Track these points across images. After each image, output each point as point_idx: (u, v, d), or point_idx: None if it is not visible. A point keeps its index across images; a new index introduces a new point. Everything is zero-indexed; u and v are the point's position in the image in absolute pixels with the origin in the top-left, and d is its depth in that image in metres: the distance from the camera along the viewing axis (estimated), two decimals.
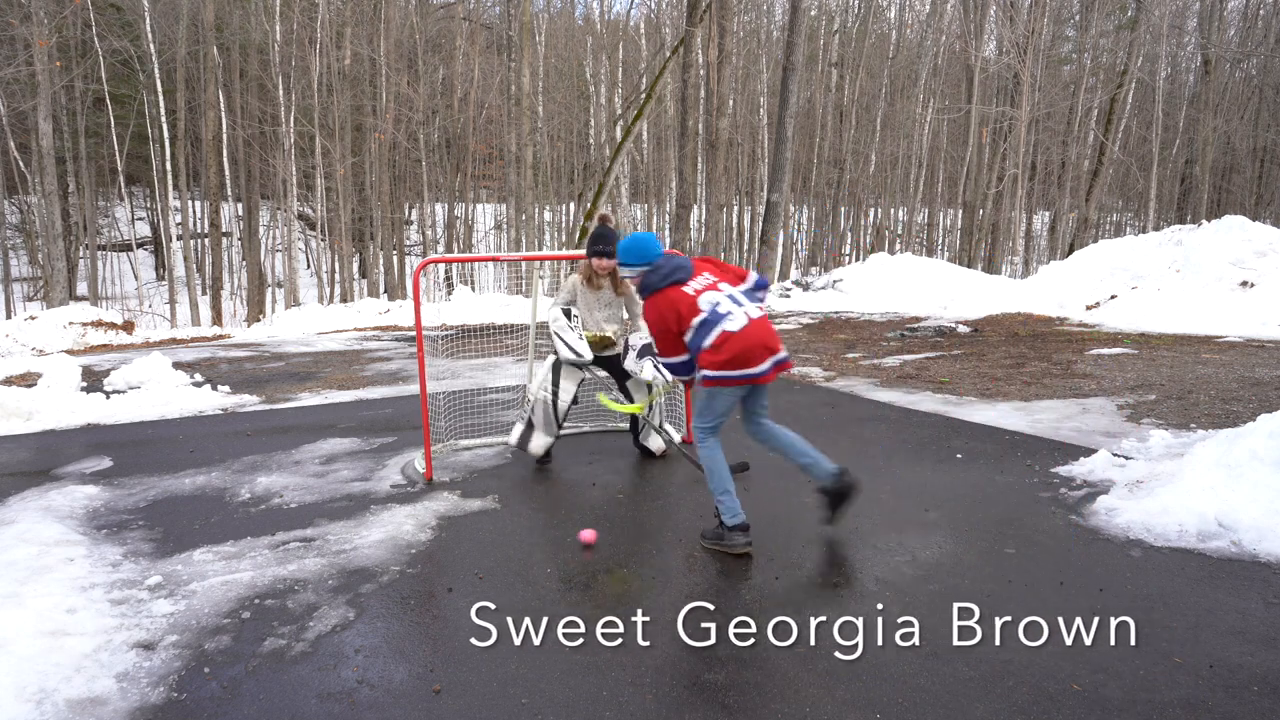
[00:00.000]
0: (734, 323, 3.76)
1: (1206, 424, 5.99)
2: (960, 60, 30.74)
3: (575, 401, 5.46)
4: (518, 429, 5.47)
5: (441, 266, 24.51)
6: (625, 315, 5.46)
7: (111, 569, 3.85)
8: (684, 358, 3.87)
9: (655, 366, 5.11)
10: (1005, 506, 4.50)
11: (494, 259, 6.06)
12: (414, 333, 10.24)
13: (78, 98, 23.29)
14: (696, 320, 3.78)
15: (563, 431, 5.62)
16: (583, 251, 5.27)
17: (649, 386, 5.34)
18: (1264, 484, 4.00)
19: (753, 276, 4.10)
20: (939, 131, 32.44)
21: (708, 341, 3.74)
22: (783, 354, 3.83)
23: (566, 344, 5.19)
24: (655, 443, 5.66)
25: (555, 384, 5.33)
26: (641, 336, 5.26)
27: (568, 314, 5.29)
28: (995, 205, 25.55)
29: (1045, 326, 12.04)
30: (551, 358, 5.36)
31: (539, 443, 5.38)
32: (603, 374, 5.62)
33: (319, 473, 5.44)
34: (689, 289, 3.85)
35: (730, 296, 3.86)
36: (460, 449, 5.92)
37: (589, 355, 5.19)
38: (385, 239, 25.60)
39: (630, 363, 5.20)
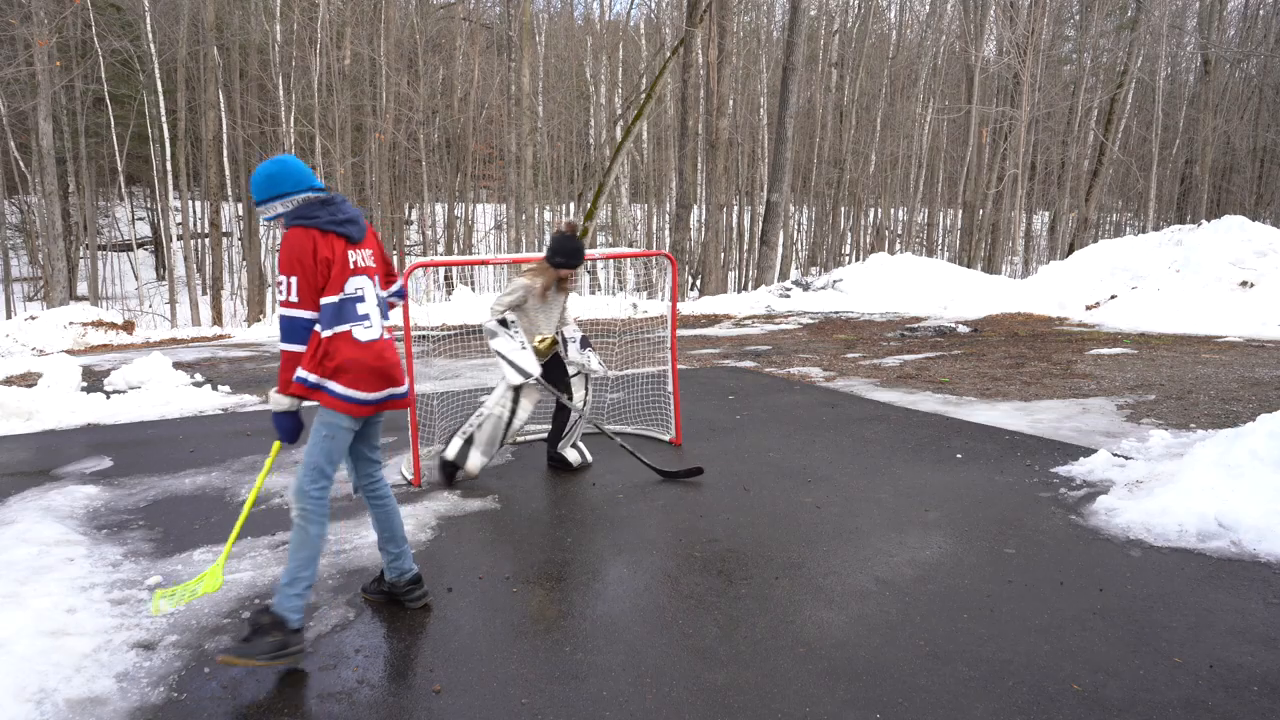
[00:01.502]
0: (368, 330, 3.05)
1: (1206, 424, 5.99)
2: (960, 60, 30.74)
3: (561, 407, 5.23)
4: (456, 443, 5.03)
5: (440, 267, 24.51)
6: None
7: (111, 569, 3.85)
8: (311, 315, 2.98)
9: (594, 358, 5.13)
10: (1005, 506, 4.50)
11: (484, 261, 6.02)
12: (416, 333, 10.23)
13: (78, 98, 23.30)
14: (334, 299, 2.99)
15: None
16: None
17: (585, 381, 5.26)
18: (1264, 484, 4.00)
19: (396, 285, 3.38)
20: (939, 131, 32.45)
21: (326, 334, 2.99)
22: (402, 389, 3.18)
23: (513, 364, 4.78)
24: (574, 455, 5.38)
25: (515, 403, 4.97)
26: (576, 329, 5.19)
27: (504, 324, 4.88)
28: (995, 205, 25.55)
29: (1045, 326, 12.04)
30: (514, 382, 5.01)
31: (476, 462, 4.99)
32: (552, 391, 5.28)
33: None
34: (352, 257, 3.08)
35: (377, 297, 3.16)
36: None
37: (538, 371, 4.81)
38: (385, 239, 25.59)
39: (575, 354, 5.08)
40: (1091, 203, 25.81)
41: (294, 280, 2.92)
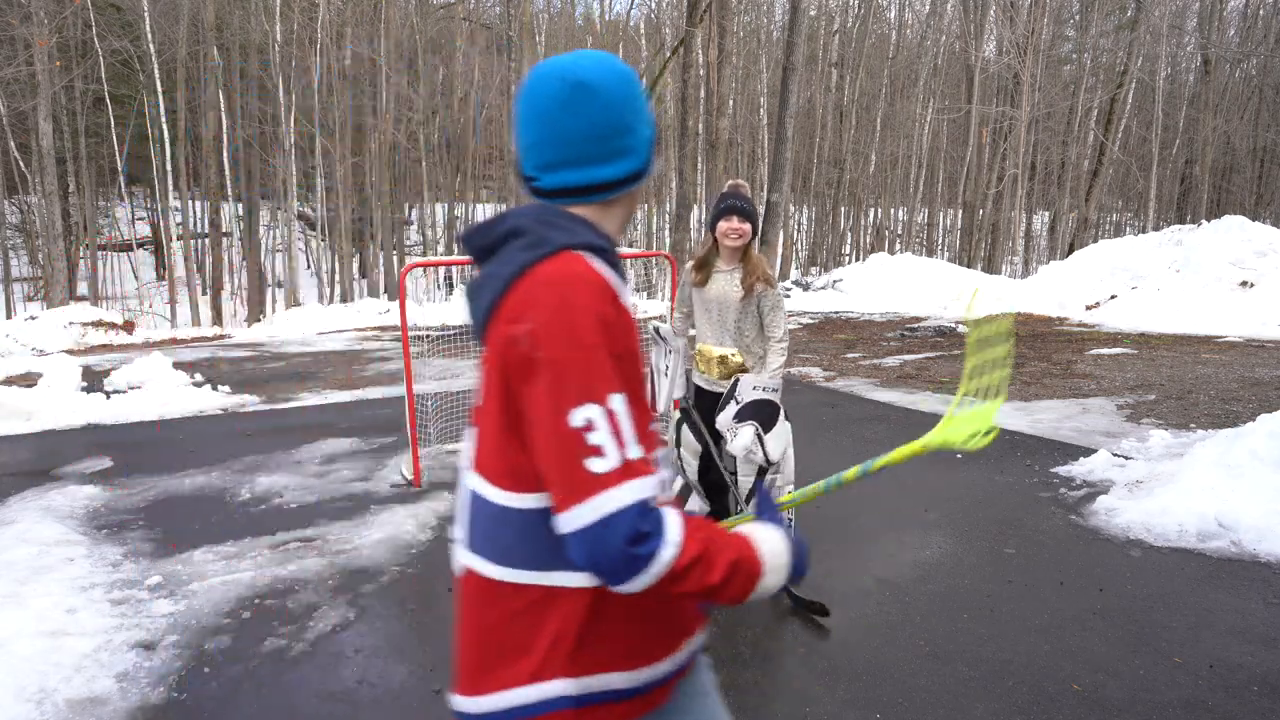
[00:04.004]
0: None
1: (1206, 424, 5.99)
2: (960, 60, 30.74)
3: (708, 468, 3.49)
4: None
5: (441, 267, 24.51)
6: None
7: (111, 569, 3.85)
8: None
9: (756, 440, 3.16)
10: (1005, 506, 4.49)
11: None
12: (414, 333, 10.24)
13: (78, 98, 23.28)
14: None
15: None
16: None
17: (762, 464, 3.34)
18: (1264, 484, 4.00)
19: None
20: (939, 131, 32.44)
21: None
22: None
23: (650, 387, 3.52)
24: None
25: (678, 443, 3.56)
26: (757, 381, 3.23)
27: (659, 334, 3.57)
28: (995, 205, 25.55)
29: (1045, 326, 12.04)
30: (674, 417, 3.63)
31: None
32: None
33: (319, 473, 5.43)
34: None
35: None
36: (458, 450, 5.91)
37: (661, 407, 3.49)
38: (385, 239, 25.59)
39: (722, 419, 3.22)
40: (1091, 203, 25.81)
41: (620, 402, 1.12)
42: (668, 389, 3.50)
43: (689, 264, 3.59)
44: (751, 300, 3.35)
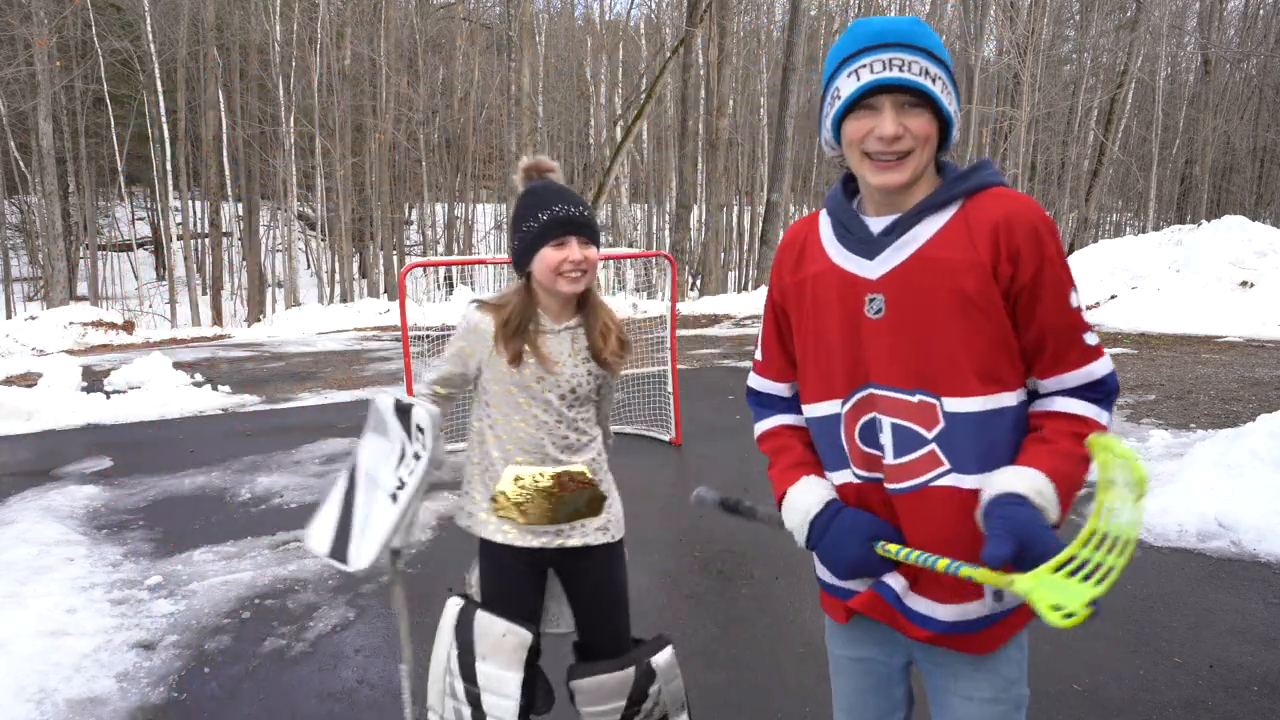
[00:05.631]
0: None
1: (1206, 424, 5.99)
2: (960, 60, 30.76)
3: (531, 706, 2.02)
4: None
5: (441, 267, 24.52)
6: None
7: (111, 569, 3.85)
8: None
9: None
10: None
11: (482, 261, 6.03)
12: (414, 333, 10.24)
13: (78, 98, 23.29)
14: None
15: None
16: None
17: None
18: (1264, 484, 4.00)
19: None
20: None
21: None
22: None
23: (346, 513, 2.06)
24: None
25: (468, 673, 2.02)
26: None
27: (404, 412, 1.97)
28: None
29: None
30: (451, 609, 2.11)
31: None
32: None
33: (319, 473, 5.44)
34: None
35: None
36: (459, 450, 5.91)
37: (371, 556, 1.94)
38: (385, 239, 25.61)
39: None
40: (1091, 203, 25.82)
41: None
42: (395, 522, 1.91)
43: (474, 317, 1.93)
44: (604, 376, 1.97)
